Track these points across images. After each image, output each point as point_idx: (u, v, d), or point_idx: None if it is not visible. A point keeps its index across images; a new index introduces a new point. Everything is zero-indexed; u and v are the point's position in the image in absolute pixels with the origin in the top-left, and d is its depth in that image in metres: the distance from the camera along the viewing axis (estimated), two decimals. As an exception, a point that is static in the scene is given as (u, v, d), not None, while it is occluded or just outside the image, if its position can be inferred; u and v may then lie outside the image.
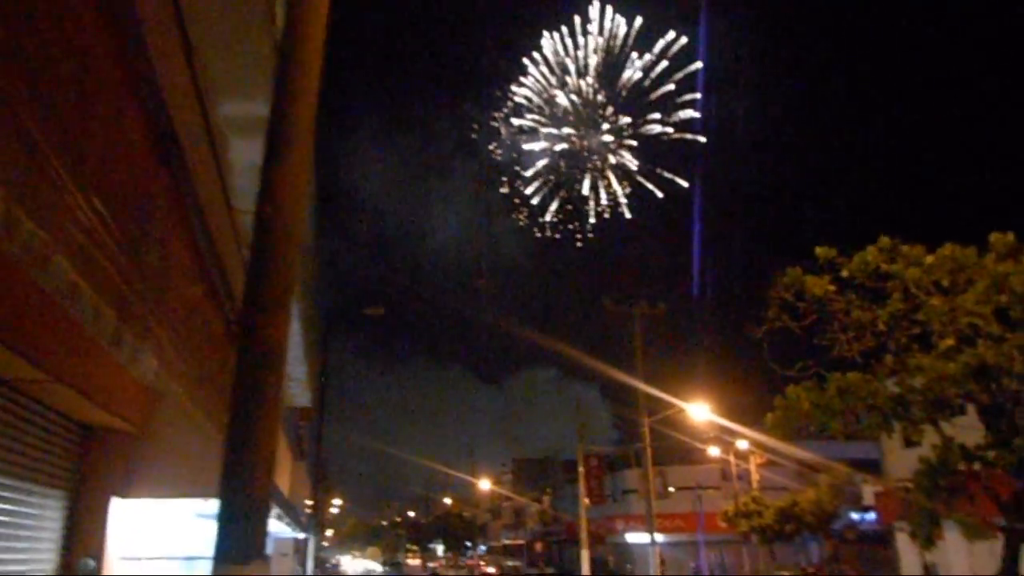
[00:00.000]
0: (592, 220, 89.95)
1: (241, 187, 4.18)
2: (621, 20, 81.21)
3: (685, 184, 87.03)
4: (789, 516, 42.30)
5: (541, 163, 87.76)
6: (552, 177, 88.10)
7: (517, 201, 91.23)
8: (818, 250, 9.33)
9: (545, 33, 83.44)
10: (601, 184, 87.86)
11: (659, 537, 54.54)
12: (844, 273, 9.25)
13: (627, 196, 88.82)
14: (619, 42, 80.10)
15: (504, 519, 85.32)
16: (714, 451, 49.98)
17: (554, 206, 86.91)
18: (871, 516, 42.82)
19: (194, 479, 7.11)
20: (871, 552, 43.61)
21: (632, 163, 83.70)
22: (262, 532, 2.61)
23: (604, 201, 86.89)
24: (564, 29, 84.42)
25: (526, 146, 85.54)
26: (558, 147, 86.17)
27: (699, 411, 24.82)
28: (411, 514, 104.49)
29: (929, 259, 8.59)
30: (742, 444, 46.12)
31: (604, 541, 58.17)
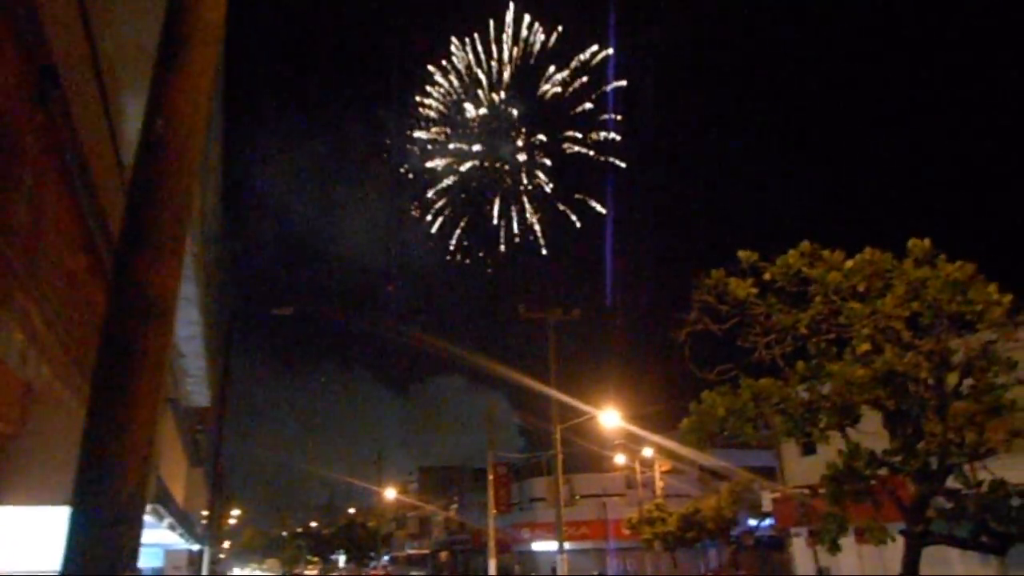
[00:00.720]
0: (503, 247, 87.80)
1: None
2: (539, 29, 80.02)
3: (601, 209, 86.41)
4: (691, 523, 43.26)
5: (448, 181, 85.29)
6: (462, 196, 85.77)
7: (427, 217, 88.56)
8: (740, 253, 9.35)
9: (454, 40, 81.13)
10: (513, 209, 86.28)
11: (566, 545, 54.85)
12: (766, 276, 9.29)
13: (540, 222, 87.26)
14: (535, 52, 79.03)
15: (409, 528, 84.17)
16: (620, 459, 50.67)
17: (457, 234, 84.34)
18: (768, 522, 44.29)
19: (70, 483, 6.39)
20: (768, 557, 45.06)
21: (547, 184, 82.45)
22: (133, 542, 2.07)
23: (516, 228, 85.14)
24: (477, 36, 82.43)
25: (430, 163, 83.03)
26: (465, 166, 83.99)
27: (610, 418, 24.93)
28: (313, 524, 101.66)
29: (849, 264, 8.72)
30: (647, 452, 46.96)
31: (510, 549, 58.03)
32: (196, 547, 17.10)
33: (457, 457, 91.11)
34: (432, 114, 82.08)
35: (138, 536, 2.03)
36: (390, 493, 76.98)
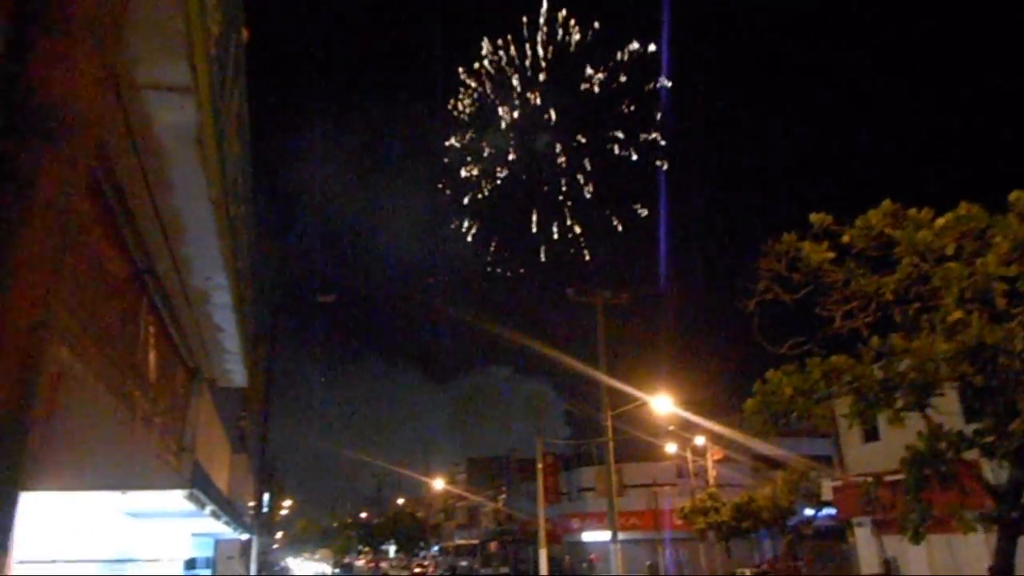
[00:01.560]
0: (543, 258, 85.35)
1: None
2: (574, 27, 77.36)
3: (644, 212, 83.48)
4: (745, 512, 42.19)
5: (484, 190, 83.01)
6: (494, 206, 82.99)
7: (463, 225, 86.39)
8: (813, 217, 8.55)
9: (486, 41, 78.59)
10: (555, 219, 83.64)
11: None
12: (845, 238, 8.47)
13: (582, 229, 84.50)
14: (572, 50, 76.37)
15: (458, 519, 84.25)
16: (671, 448, 49.70)
17: (492, 248, 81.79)
18: (828, 511, 42.96)
19: (105, 469, 5.98)
20: (827, 548, 43.74)
21: (588, 190, 79.61)
22: (8, 513, 1.41)
23: (556, 236, 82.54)
24: (510, 36, 79.93)
25: (464, 171, 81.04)
26: (503, 172, 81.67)
27: (662, 404, 24.16)
28: (363, 515, 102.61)
29: (940, 221, 7.88)
30: (700, 440, 45.94)
31: (560, 540, 57.53)
32: (245, 536, 16.91)
33: (504, 447, 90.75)
34: (465, 118, 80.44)
35: (17, 466, 1.42)
36: (438, 484, 77.07)
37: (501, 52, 76.06)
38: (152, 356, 5.15)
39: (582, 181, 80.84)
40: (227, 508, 12.00)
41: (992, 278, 7.39)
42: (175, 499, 7.67)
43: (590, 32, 76.75)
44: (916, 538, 10.60)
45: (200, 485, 7.63)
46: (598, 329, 23.81)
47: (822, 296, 8.88)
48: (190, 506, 8.91)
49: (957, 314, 7.82)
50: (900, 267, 8.17)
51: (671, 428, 46.57)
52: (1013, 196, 7.57)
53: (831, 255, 8.52)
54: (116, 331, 4.37)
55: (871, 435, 29.75)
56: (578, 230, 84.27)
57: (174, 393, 6.34)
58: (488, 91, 77.46)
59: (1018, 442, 9.26)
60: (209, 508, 9.89)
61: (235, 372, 7.74)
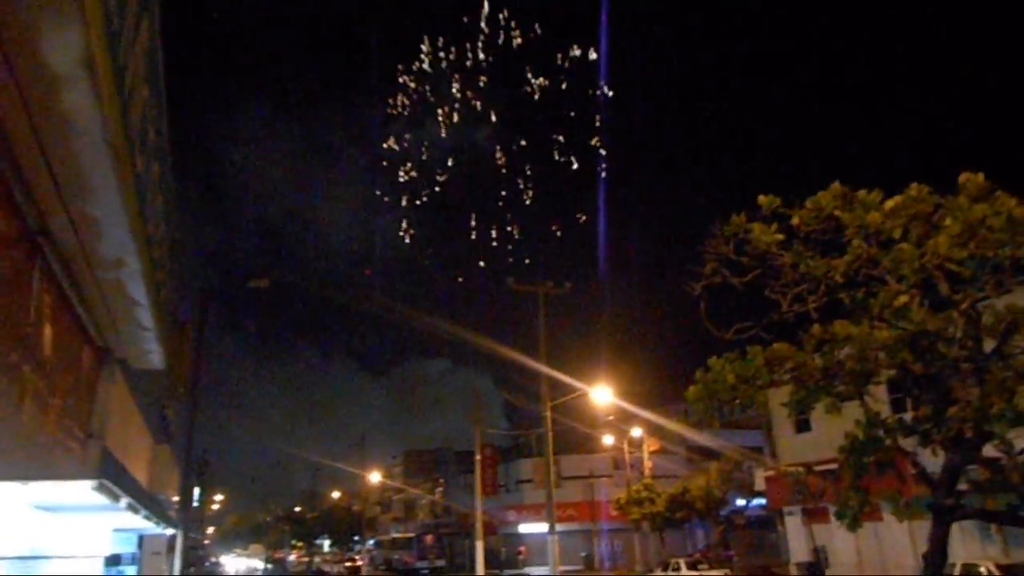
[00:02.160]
0: (481, 263, 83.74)
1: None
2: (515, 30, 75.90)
3: (583, 218, 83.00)
4: (680, 503, 42.73)
5: (418, 194, 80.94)
6: (434, 210, 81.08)
7: (401, 228, 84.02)
8: (761, 199, 8.39)
9: (425, 41, 76.17)
10: (493, 225, 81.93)
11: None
12: (794, 220, 8.34)
13: (522, 233, 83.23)
14: (513, 51, 74.83)
15: (395, 512, 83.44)
16: (608, 439, 50.02)
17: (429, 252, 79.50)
18: (759, 501, 43.86)
19: (5, 458, 5.37)
20: (758, 537, 44.68)
21: (527, 195, 78.48)
22: None
23: (495, 242, 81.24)
24: (451, 36, 77.91)
25: (402, 172, 79.01)
26: (441, 175, 79.87)
27: (601, 394, 24.08)
28: (297, 509, 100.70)
29: (890, 203, 7.80)
30: (636, 432, 46.35)
31: (496, 532, 57.39)
32: (172, 532, 16.11)
33: (441, 440, 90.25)
34: (404, 116, 78.81)
35: None
36: (374, 477, 76.09)
37: (441, 53, 74.45)
38: (47, 329, 4.58)
39: (522, 186, 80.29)
40: (147, 501, 11.30)
41: (943, 259, 7.33)
42: (83, 490, 7.05)
43: (531, 35, 75.84)
44: (853, 525, 10.61)
45: (111, 475, 7.02)
46: (539, 319, 23.56)
47: (771, 280, 8.74)
48: (103, 499, 8.29)
49: (903, 299, 7.76)
50: (850, 249, 8.07)
51: (609, 419, 46.83)
52: (963, 178, 7.53)
53: (780, 237, 8.38)
54: (14, 326, 3.84)
55: (803, 426, 30.35)
56: (517, 235, 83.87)
57: (76, 373, 5.75)
58: (427, 92, 75.99)
59: (955, 430, 9.31)
60: (124, 501, 9.24)
61: (152, 352, 7.14)
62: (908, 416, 10.22)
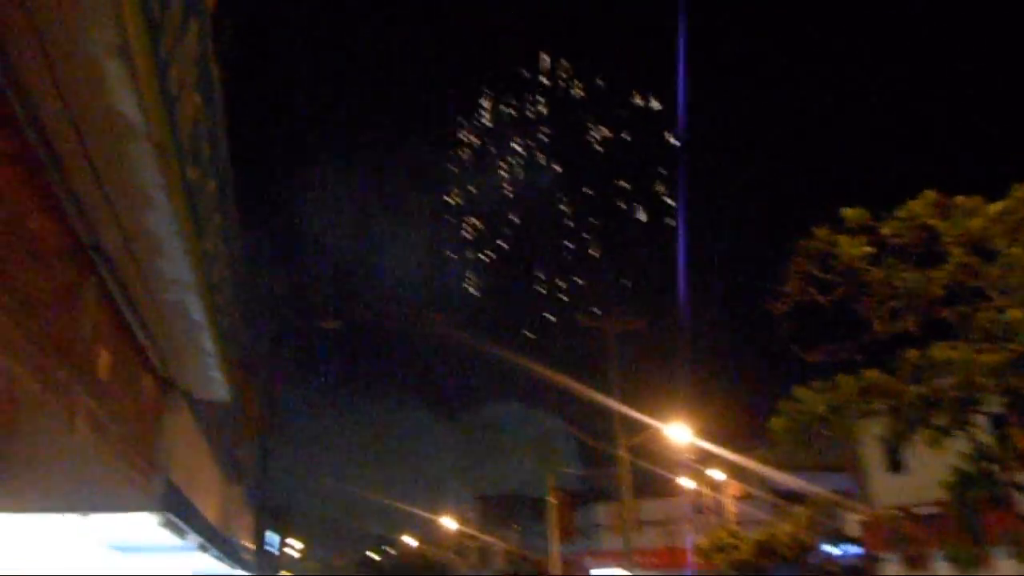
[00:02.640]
0: (553, 317, 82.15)
1: None
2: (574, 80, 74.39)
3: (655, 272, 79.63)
4: (766, 549, 40.74)
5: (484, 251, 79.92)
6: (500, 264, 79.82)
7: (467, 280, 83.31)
8: (847, 212, 7.84)
9: (486, 95, 75.29)
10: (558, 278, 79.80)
11: (625, 572, 52.43)
12: (885, 231, 7.74)
13: (590, 288, 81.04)
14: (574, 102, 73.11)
15: (470, 559, 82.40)
16: (687, 483, 48.34)
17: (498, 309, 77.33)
18: (851, 549, 41.46)
19: (50, 484, 5.26)
20: (850, 585, 42.11)
21: (596, 250, 76.47)
22: None
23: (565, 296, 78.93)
24: (514, 86, 77.29)
25: (466, 224, 78.38)
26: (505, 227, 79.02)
27: (678, 433, 23.20)
28: (374, 556, 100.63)
29: (994, 208, 7.14)
30: (717, 475, 44.65)
31: (573, 579, 55.87)
32: (243, 573, 16.03)
33: (516, 484, 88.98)
34: (468, 167, 78.72)
35: None
36: (449, 523, 75.40)
37: (502, 106, 74.50)
38: (102, 351, 4.44)
39: (587, 233, 79.01)
40: (219, 542, 11.19)
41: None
42: (149, 526, 6.91)
43: (594, 84, 75.45)
44: (970, 566, 9.67)
45: (176, 509, 6.86)
46: (610, 356, 23.00)
47: (862, 297, 8.11)
48: (175, 538, 8.17)
49: (1016, 313, 7.05)
50: (950, 259, 7.42)
51: (688, 458, 45.22)
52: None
53: (870, 250, 7.78)
54: (48, 313, 3.68)
55: (897, 466, 28.60)
56: (583, 280, 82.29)
57: (137, 401, 5.62)
58: (488, 145, 76.31)
59: (1079, 460, 8.41)
60: (194, 539, 9.11)
61: (216, 382, 7.02)
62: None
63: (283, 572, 67.96)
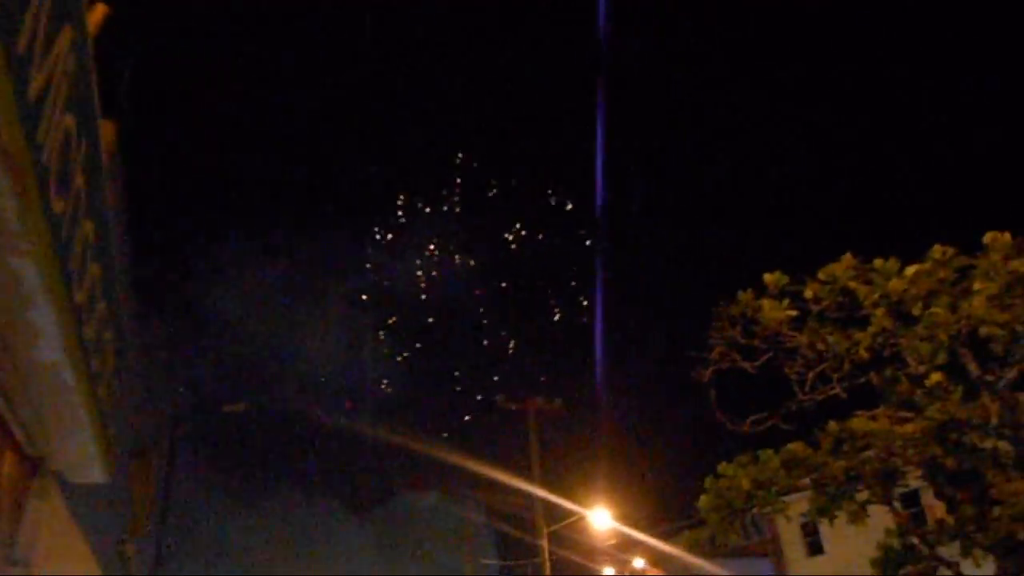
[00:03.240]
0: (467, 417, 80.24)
1: None
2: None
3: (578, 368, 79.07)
4: (689, 641, 39.67)
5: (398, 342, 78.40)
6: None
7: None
8: (767, 277, 7.79)
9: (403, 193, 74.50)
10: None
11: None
12: (808, 293, 7.69)
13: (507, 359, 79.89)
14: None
15: (382, 662, 77.58)
16: (608, 572, 47.18)
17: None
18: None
19: None
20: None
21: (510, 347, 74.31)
22: None
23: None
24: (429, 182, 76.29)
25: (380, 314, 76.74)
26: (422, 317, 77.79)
27: (600, 519, 22.61)
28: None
29: (911, 269, 7.21)
30: (637, 563, 43.79)
31: None
32: None
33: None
34: (382, 257, 77.42)
35: None
36: (361, 623, 71.09)
37: (419, 204, 73.82)
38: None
39: (502, 326, 78.24)
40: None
41: (980, 322, 6.67)
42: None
43: (509, 183, 75.49)
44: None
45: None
46: (530, 439, 22.46)
47: (786, 361, 8.01)
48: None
49: (936, 377, 7.04)
50: (873, 322, 7.41)
51: (610, 544, 44.21)
52: (988, 237, 7.02)
53: (793, 313, 7.72)
54: None
55: (814, 548, 28.66)
56: (502, 365, 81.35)
57: (-9, 481, 4.84)
58: (404, 236, 75.88)
59: (1003, 532, 8.35)
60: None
61: (93, 462, 6.21)
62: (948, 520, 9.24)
63: None
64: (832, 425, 9.95)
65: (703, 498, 10.55)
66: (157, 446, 15.08)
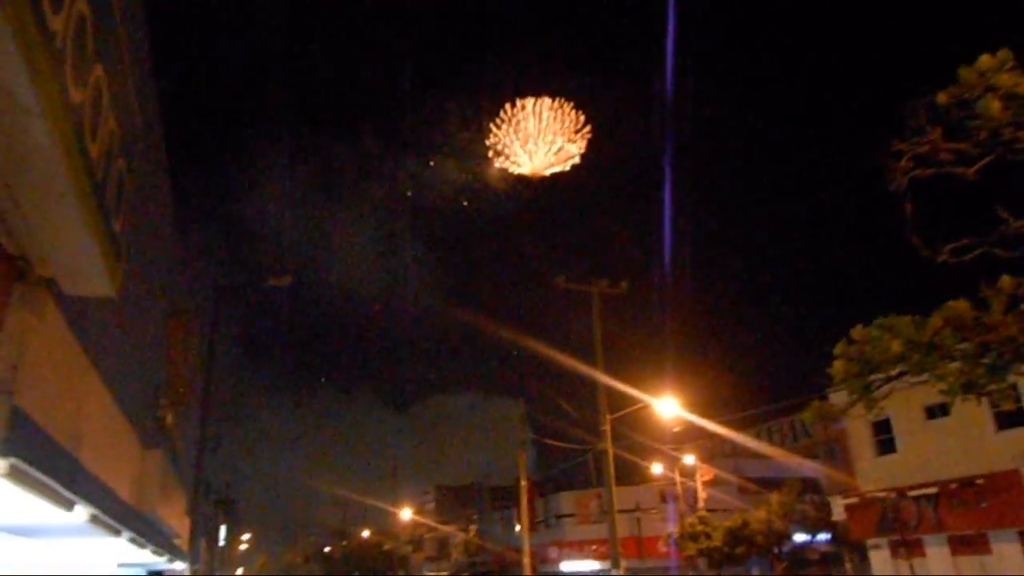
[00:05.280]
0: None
1: None
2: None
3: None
4: (739, 538, 39.25)
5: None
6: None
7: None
8: (983, 59, 5.69)
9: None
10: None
11: (595, 564, 50.60)
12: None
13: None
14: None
15: (427, 550, 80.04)
16: (658, 468, 46.69)
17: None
18: (823, 536, 40.24)
19: None
20: (825, 574, 40.90)
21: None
22: None
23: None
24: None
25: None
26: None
27: (667, 407, 21.18)
28: (327, 549, 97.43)
29: None
30: (688, 459, 43.03)
31: (536, 570, 53.87)
32: (172, 565, 13.48)
33: (474, 475, 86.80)
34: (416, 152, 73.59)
35: None
36: (405, 513, 72.88)
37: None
38: None
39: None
40: (129, 519, 8.67)
41: None
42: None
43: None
44: None
45: (33, 452, 4.43)
46: (594, 322, 20.87)
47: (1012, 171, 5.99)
48: (51, 508, 5.74)
49: None
50: None
51: (660, 444, 43.41)
52: None
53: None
54: None
55: (886, 446, 27.08)
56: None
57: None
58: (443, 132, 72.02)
59: None
60: (83, 510, 6.64)
61: (91, 265, 4.60)
62: None
63: (237, 569, 64.78)
64: (1006, 279, 8.04)
65: (836, 364, 8.84)
66: (199, 311, 13.82)
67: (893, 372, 8.10)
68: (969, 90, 5.42)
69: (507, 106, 44.34)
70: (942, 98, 5.59)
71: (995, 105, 5.20)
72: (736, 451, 56.72)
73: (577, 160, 45.56)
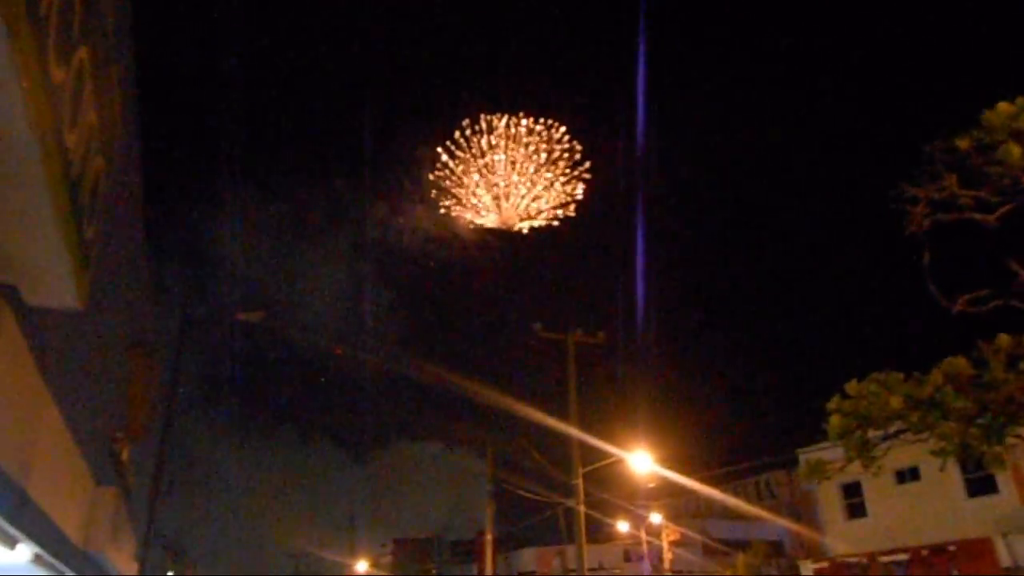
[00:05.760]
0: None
1: None
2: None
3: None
4: (704, 600, 38.35)
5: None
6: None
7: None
8: (1001, 106, 5.60)
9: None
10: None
11: (557, 626, 49.04)
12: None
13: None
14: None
15: (382, 606, 77.33)
16: (623, 526, 45.82)
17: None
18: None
19: None
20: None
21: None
22: None
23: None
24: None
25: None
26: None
27: (640, 461, 20.72)
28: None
29: None
30: (655, 518, 42.31)
31: (494, 630, 52.11)
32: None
33: (434, 528, 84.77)
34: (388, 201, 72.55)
35: None
36: (361, 566, 70.54)
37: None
38: None
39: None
40: (73, 558, 8.02)
41: None
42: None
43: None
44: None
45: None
46: (568, 373, 20.50)
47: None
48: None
49: None
50: None
51: (648, 488, 42.61)
52: None
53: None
54: None
55: (855, 511, 26.86)
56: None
57: None
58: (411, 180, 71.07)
59: None
60: (27, 549, 6.10)
61: (60, 275, 4.17)
62: None
63: None
64: (1003, 338, 7.90)
65: (832, 419, 8.57)
66: (162, 344, 13.18)
67: (892, 429, 7.88)
68: (991, 134, 5.31)
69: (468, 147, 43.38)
70: (963, 143, 5.47)
71: (1016, 151, 5.08)
72: (702, 511, 56.23)
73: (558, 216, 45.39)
